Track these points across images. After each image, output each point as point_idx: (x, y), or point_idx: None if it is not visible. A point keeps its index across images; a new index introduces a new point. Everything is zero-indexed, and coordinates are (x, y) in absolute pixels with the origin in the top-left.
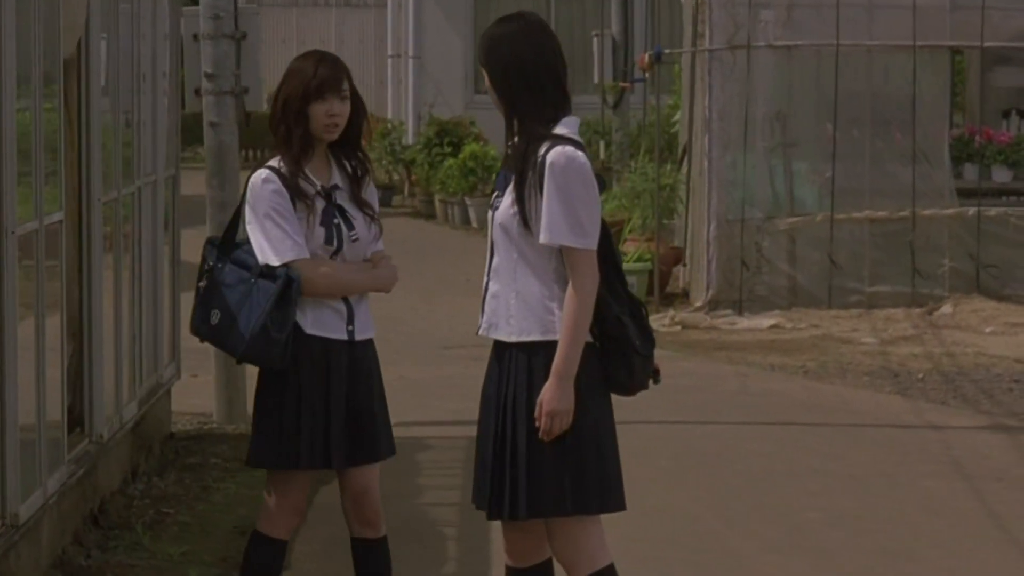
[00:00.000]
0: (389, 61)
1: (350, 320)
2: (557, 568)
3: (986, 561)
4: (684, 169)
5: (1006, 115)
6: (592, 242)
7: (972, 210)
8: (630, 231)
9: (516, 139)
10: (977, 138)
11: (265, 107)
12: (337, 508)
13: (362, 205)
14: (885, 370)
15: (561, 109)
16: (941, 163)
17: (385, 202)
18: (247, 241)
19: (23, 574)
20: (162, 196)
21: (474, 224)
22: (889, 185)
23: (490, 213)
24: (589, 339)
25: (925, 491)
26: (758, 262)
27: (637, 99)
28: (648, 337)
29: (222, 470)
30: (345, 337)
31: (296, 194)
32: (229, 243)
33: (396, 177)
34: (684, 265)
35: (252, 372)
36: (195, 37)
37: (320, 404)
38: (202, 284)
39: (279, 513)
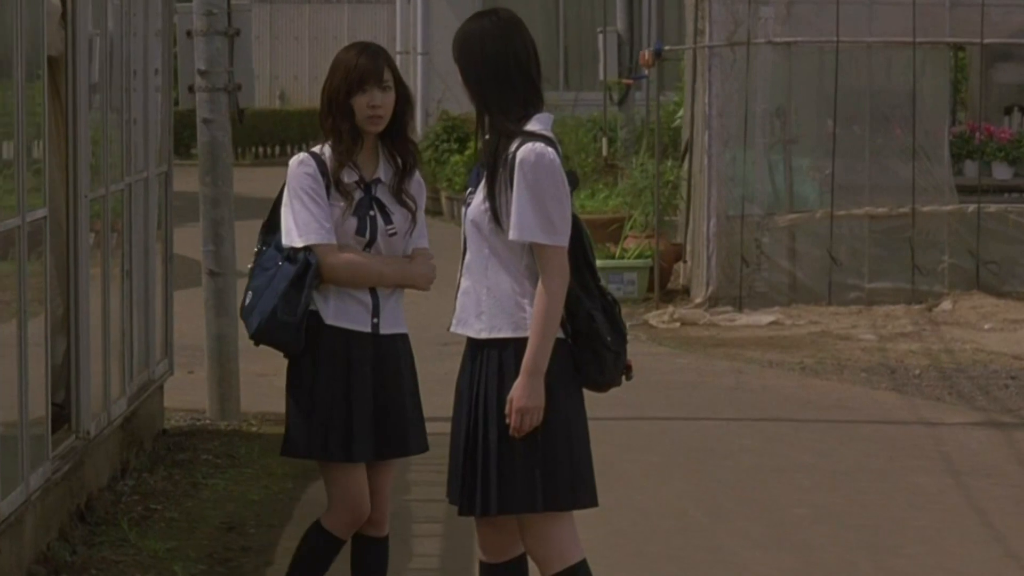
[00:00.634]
0: (398, 57)
1: (375, 313)
2: (531, 563)
3: (969, 557)
4: (686, 165)
5: (1008, 111)
6: (562, 239)
7: (972, 207)
8: (631, 227)
9: (487, 136)
10: (978, 134)
11: (257, 103)
12: None
13: (404, 200)
14: (882, 366)
15: (532, 106)
16: (941, 159)
17: None
18: None
19: (4, 569)
20: (155, 193)
21: None
22: (889, 181)
23: (463, 209)
24: (561, 335)
25: (913, 487)
26: (758, 258)
27: (643, 96)
28: (620, 333)
29: (212, 466)
30: (368, 330)
31: (334, 182)
32: (275, 226)
33: None
34: (685, 262)
35: (245, 369)
36: (188, 34)
37: (340, 396)
38: (249, 266)
39: (337, 508)
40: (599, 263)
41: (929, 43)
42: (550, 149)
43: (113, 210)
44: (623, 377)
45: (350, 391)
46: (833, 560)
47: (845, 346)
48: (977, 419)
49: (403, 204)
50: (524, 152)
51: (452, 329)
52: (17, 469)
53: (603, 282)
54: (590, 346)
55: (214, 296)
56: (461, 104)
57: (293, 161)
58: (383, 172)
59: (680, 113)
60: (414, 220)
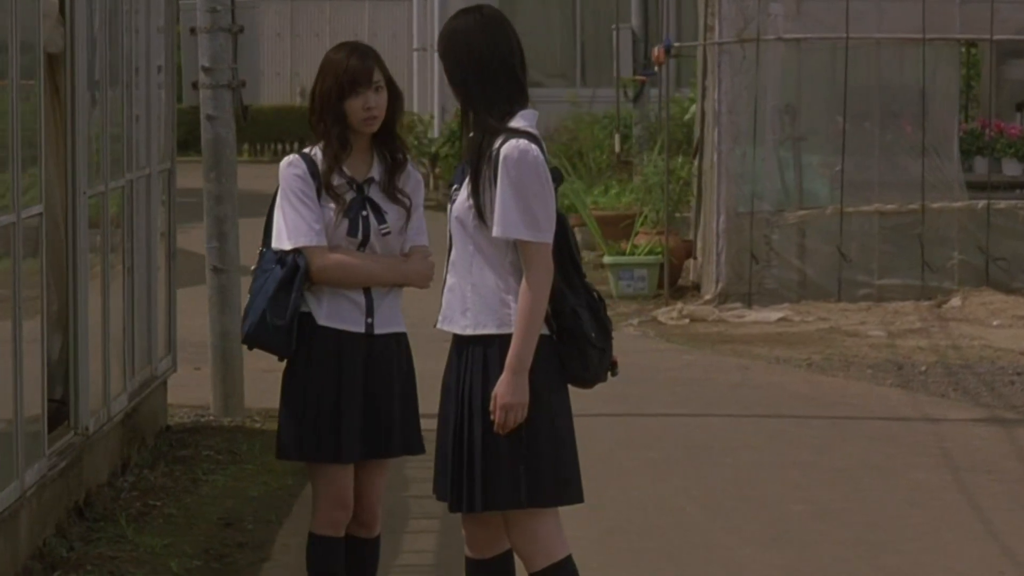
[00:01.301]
0: (415, 54)
1: (370, 312)
2: (517, 560)
3: (965, 554)
4: (697, 162)
5: (1019, 108)
6: (546, 236)
7: (982, 203)
8: (642, 224)
9: (472, 132)
10: (987, 131)
11: (277, 100)
12: None
13: (398, 198)
14: (890, 363)
15: (516, 102)
16: (951, 156)
17: None
18: None
19: None
20: (157, 189)
21: None
22: (899, 178)
23: (449, 206)
24: (546, 331)
25: (912, 483)
26: (767, 255)
27: (659, 92)
28: (604, 329)
29: (213, 462)
30: (362, 330)
31: (324, 184)
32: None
33: (422, 171)
34: (695, 259)
35: (249, 365)
36: (192, 31)
37: (331, 397)
38: (253, 267)
39: (320, 507)
40: (610, 259)
41: (939, 39)
42: (534, 146)
43: (114, 206)
44: (608, 373)
45: (341, 392)
46: (828, 557)
47: (853, 343)
48: (980, 415)
49: (397, 202)
50: (508, 149)
51: (438, 326)
52: (12, 465)
53: (587, 278)
54: (575, 343)
55: (218, 292)
56: None
57: (283, 163)
58: (377, 171)
59: (692, 109)
60: (409, 218)
